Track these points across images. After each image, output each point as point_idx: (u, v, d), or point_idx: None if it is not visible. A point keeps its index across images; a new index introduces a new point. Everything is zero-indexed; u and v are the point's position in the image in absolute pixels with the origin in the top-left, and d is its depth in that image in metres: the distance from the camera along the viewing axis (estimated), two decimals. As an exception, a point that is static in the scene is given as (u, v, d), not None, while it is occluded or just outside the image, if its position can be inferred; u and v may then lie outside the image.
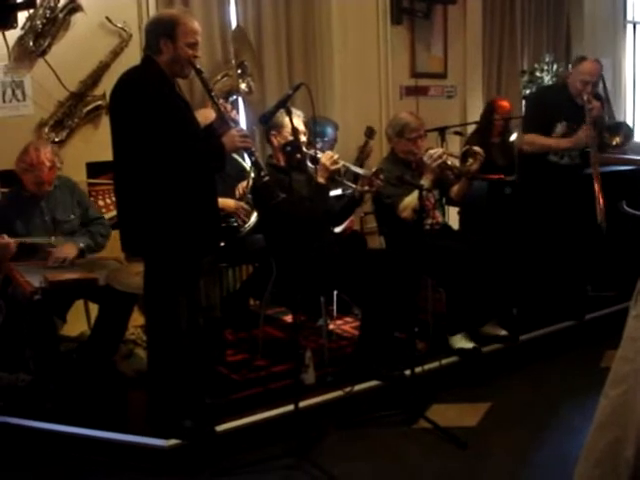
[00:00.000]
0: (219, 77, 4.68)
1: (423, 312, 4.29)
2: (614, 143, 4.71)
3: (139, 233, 3.10)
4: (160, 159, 2.94)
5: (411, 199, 4.00)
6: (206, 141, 3.11)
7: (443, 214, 4.47)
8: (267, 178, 3.26)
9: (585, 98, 4.50)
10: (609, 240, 5.01)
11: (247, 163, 4.30)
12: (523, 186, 4.82)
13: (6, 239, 3.59)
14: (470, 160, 4.09)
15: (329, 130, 5.04)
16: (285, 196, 3.30)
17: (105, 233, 4.07)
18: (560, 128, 4.65)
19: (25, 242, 3.70)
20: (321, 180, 3.73)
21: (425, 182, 4.00)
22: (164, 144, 2.93)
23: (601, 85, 4.90)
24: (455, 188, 4.31)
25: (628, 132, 4.74)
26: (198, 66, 3.12)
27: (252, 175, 3.97)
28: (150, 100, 2.94)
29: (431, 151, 4.15)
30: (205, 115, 3.64)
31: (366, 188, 3.91)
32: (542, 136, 4.65)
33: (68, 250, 3.82)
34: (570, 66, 4.83)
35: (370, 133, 5.29)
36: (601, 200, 4.31)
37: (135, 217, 3.09)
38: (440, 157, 4.09)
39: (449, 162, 4.13)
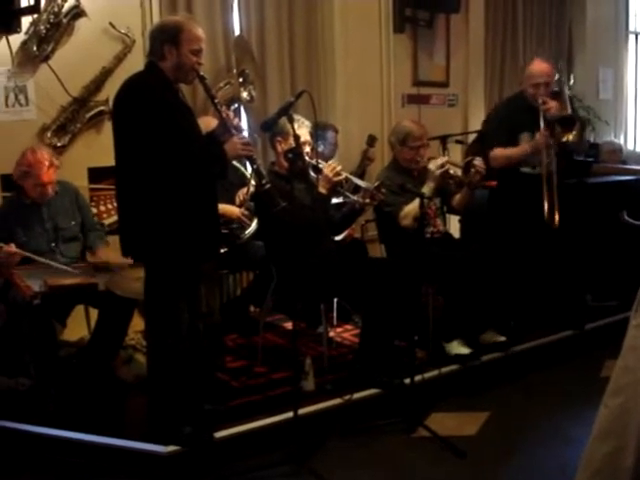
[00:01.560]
0: (222, 84, 4.69)
1: (423, 320, 4.28)
2: (565, 139, 4.29)
3: (140, 238, 3.10)
4: (162, 165, 2.95)
5: (412, 207, 4.01)
6: (208, 148, 3.11)
7: (444, 222, 4.47)
8: (268, 186, 3.27)
9: (540, 101, 4.32)
10: (610, 250, 5.02)
11: (248, 170, 4.31)
12: (508, 194, 4.76)
13: (13, 249, 3.60)
14: (472, 171, 4.09)
15: (327, 133, 5.05)
16: (286, 204, 3.30)
17: (102, 242, 4.09)
18: (526, 138, 4.46)
19: (30, 257, 3.69)
20: (323, 190, 3.74)
21: (426, 190, 4.01)
22: (166, 150, 2.93)
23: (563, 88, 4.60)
24: (457, 197, 4.31)
25: (581, 126, 4.42)
26: (201, 73, 3.13)
27: (252, 182, 3.98)
28: (153, 106, 2.95)
29: (436, 159, 4.17)
30: (207, 122, 3.65)
31: (367, 201, 3.91)
32: (504, 149, 4.45)
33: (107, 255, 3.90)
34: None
35: (371, 141, 5.30)
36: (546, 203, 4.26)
37: (136, 222, 3.09)
38: (443, 166, 4.10)
39: (451, 171, 4.14)
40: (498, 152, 4.46)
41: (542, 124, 4.29)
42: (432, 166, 4.12)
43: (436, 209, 4.34)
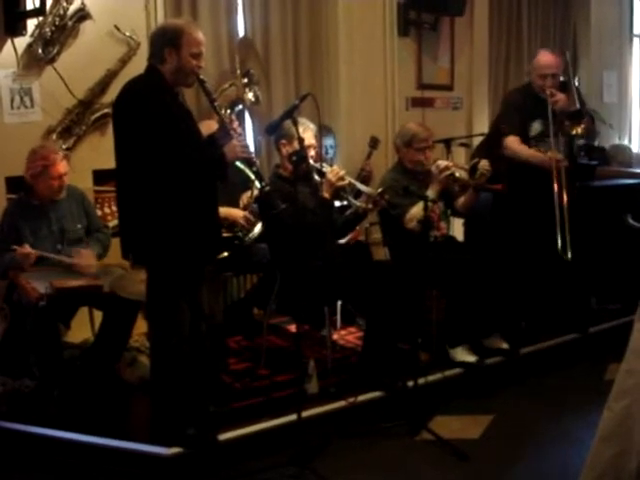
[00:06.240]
0: (226, 85, 4.67)
1: (427, 323, 4.28)
2: (574, 132, 4.37)
3: (140, 241, 3.11)
4: (161, 168, 2.96)
5: (417, 210, 4.01)
6: (207, 151, 3.13)
7: (448, 226, 4.46)
8: (268, 188, 3.28)
9: (548, 93, 4.34)
10: (614, 253, 5.01)
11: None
12: (514, 195, 4.74)
13: (27, 249, 3.61)
14: (478, 174, 4.09)
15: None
16: (285, 206, 3.31)
17: (108, 243, 4.09)
18: (536, 126, 4.52)
19: (43, 256, 3.72)
20: (326, 195, 3.74)
21: (431, 193, 4.00)
22: (165, 153, 2.95)
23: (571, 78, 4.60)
24: (461, 200, 4.31)
25: (590, 119, 4.44)
26: (201, 76, 3.14)
27: (257, 184, 3.98)
28: (152, 109, 2.97)
29: (439, 162, 4.16)
30: (209, 126, 3.66)
31: (370, 206, 3.91)
32: (519, 144, 4.51)
33: (90, 259, 3.85)
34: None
35: (374, 143, 5.29)
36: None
37: (137, 225, 3.10)
38: (448, 168, 4.09)
39: (457, 174, 4.13)
40: (513, 142, 4.51)
41: (550, 120, 4.31)
42: (434, 169, 4.12)
43: (440, 212, 4.34)
